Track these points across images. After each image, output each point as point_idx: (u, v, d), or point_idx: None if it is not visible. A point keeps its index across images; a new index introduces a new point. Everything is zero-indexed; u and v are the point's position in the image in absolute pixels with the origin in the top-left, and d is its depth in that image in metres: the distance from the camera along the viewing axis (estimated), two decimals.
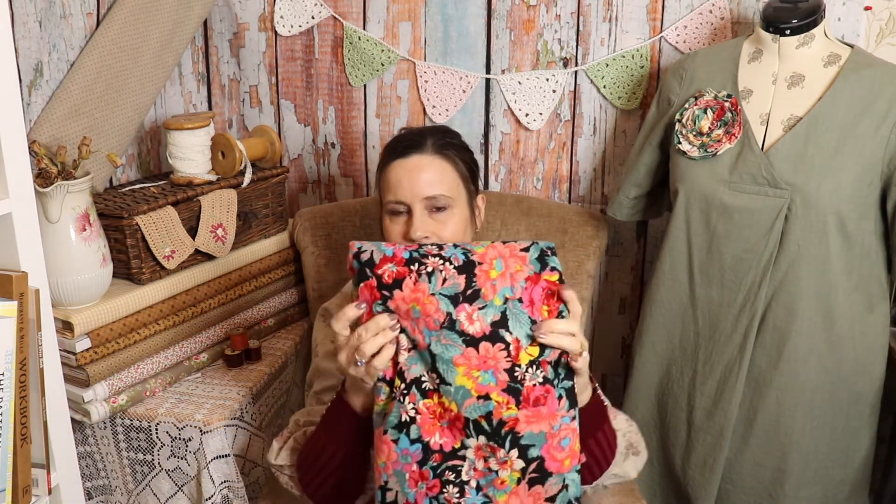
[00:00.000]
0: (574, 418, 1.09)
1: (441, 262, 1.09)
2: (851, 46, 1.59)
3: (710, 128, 1.62)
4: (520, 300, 1.07)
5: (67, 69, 1.74)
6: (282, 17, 2.18)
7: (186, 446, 1.61)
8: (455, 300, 1.07)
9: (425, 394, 1.09)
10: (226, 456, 1.61)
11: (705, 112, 1.63)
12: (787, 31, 1.58)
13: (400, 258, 1.09)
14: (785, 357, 1.59)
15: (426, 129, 1.42)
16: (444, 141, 1.38)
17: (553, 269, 1.09)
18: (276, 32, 2.20)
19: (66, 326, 1.53)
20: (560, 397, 1.08)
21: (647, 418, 1.78)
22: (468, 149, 1.44)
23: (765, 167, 1.55)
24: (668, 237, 1.69)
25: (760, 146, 1.57)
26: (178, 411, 1.63)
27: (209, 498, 1.60)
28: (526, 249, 1.10)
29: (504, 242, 1.11)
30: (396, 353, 1.09)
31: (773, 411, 1.61)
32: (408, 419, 1.09)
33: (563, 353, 1.08)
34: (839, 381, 1.59)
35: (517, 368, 1.06)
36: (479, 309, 1.07)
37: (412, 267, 1.08)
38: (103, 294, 1.62)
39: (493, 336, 1.06)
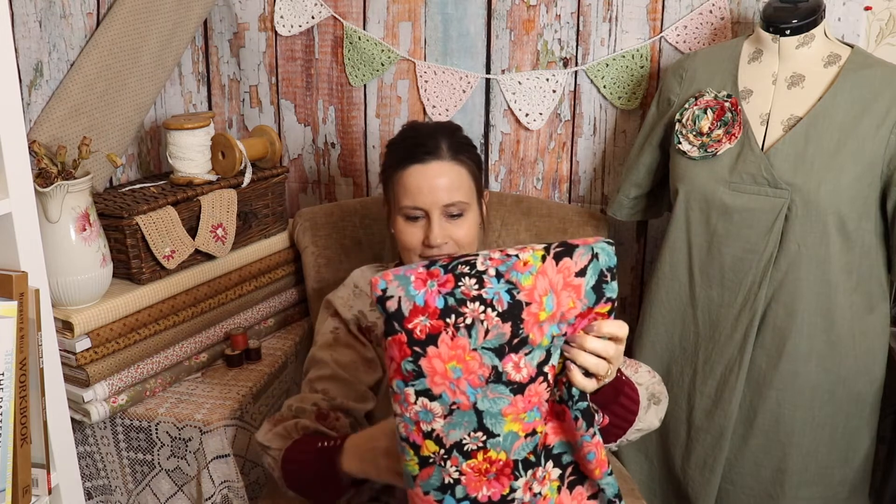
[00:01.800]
0: (594, 435, 1.03)
1: (482, 308, 0.95)
2: (851, 46, 1.59)
3: (710, 128, 1.62)
4: (564, 333, 1.00)
5: (67, 69, 1.74)
6: (282, 17, 2.18)
7: (186, 446, 1.61)
8: (500, 352, 0.97)
9: (468, 455, 0.99)
10: (226, 456, 1.61)
11: (705, 112, 1.63)
12: (787, 31, 1.58)
13: (434, 309, 0.95)
14: (785, 357, 1.59)
15: (436, 128, 1.42)
16: (458, 144, 1.40)
17: (608, 299, 1.00)
18: (276, 32, 2.20)
19: (66, 326, 1.53)
20: (576, 419, 1.02)
21: None
22: (474, 146, 1.45)
23: (765, 167, 1.55)
24: (668, 237, 1.69)
25: (760, 146, 1.57)
26: (178, 411, 1.63)
27: (209, 498, 1.60)
28: (583, 273, 0.97)
29: (557, 255, 0.97)
30: (428, 422, 0.98)
31: (773, 411, 1.61)
32: (451, 482, 0.99)
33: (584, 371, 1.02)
34: (839, 381, 1.59)
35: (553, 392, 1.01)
36: (526, 355, 0.98)
37: (448, 320, 0.95)
38: (103, 294, 1.62)
39: (537, 375, 0.99)
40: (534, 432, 1.00)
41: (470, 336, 0.96)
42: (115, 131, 1.84)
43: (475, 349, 0.96)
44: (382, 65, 2.12)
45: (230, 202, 1.85)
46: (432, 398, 0.97)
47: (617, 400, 1.16)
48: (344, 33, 2.13)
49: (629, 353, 1.90)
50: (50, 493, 1.22)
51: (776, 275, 1.57)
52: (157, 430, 1.62)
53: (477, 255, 0.99)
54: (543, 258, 0.97)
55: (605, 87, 1.98)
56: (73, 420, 1.48)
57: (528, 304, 0.96)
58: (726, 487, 1.69)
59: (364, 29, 2.11)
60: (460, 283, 0.96)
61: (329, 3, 2.12)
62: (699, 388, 1.67)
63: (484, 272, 0.96)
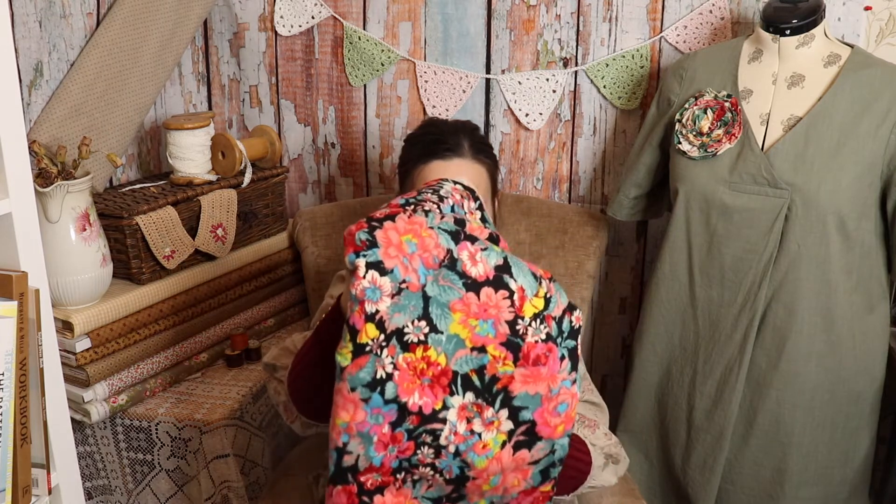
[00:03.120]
0: (574, 382, 1.00)
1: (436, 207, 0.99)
2: (851, 46, 1.59)
3: (710, 128, 1.62)
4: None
5: (67, 69, 1.74)
6: (282, 17, 2.17)
7: (186, 446, 1.61)
8: (456, 237, 0.95)
9: (407, 347, 0.95)
10: (226, 456, 1.61)
11: (705, 112, 1.63)
12: (787, 31, 1.58)
13: (395, 206, 0.99)
14: (785, 357, 1.59)
15: (458, 126, 1.43)
16: (479, 143, 1.41)
17: (553, 480, 1.05)
18: (276, 32, 2.20)
19: (66, 326, 1.53)
20: (563, 358, 0.98)
21: (647, 418, 1.78)
22: (492, 146, 1.46)
23: (765, 167, 1.55)
24: (668, 237, 1.69)
25: (760, 146, 1.57)
26: (177, 411, 1.63)
27: (209, 498, 1.60)
28: (536, 462, 1.02)
29: (517, 444, 1.00)
30: (374, 301, 0.94)
31: (773, 411, 1.61)
32: (384, 376, 0.95)
33: (568, 309, 0.99)
34: (839, 381, 1.59)
35: (520, 321, 0.96)
36: (483, 250, 0.96)
37: (407, 208, 0.98)
38: (103, 294, 1.62)
39: (497, 281, 0.95)
40: (483, 349, 0.96)
41: (427, 217, 0.96)
42: (115, 131, 1.84)
43: (432, 227, 0.95)
44: (382, 65, 2.12)
45: (230, 202, 1.85)
46: (383, 272, 0.94)
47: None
48: (344, 33, 2.13)
49: (629, 353, 1.90)
50: (50, 493, 1.22)
51: (776, 275, 1.57)
52: (157, 430, 1.62)
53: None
54: (503, 444, 0.99)
55: (605, 87, 1.98)
56: (73, 420, 1.48)
57: (474, 478, 1.01)
58: (726, 487, 1.69)
59: (364, 29, 2.11)
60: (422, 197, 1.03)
61: (329, 3, 2.12)
62: (699, 388, 1.67)
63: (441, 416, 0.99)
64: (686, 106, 1.66)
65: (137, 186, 1.83)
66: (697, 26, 1.89)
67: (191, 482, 1.63)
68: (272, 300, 1.99)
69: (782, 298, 1.57)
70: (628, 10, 1.93)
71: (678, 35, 1.91)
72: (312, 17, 2.15)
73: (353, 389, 0.95)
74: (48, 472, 1.21)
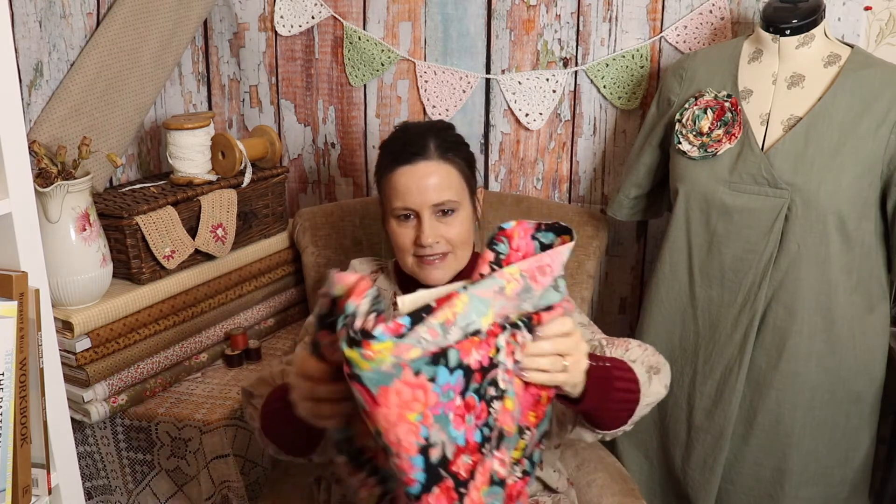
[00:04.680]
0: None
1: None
2: (851, 46, 1.59)
3: (710, 128, 1.61)
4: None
5: (67, 69, 1.74)
6: (282, 17, 2.18)
7: (186, 446, 1.61)
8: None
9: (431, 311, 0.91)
10: (225, 456, 1.61)
11: (705, 112, 1.63)
12: (787, 31, 1.58)
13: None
14: (785, 357, 1.59)
15: (425, 127, 1.42)
16: (447, 142, 1.39)
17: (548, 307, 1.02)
18: (276, 32, 2.20)
19: (66, 326, 1.53)
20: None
21: (647, 418, 1.78)
22: (465, 143, 1.44)
23: (765, 167, 1.55)
24: (668, 237, 1.69)
25: (760, 146, 1.57)
26: (177, 411, 1.63)
27: (209, 498, 1.60)
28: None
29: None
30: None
31: (773, 411, 1.61)
32: (435, 345, 0.90)
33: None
34: (839, 381, 1.59)
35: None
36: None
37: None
38: (103, 294, 1.62)
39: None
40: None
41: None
42: (115, 131, 1.84)
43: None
44: (382, 65, 2.12)
45: (230, 202, 1.85)
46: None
47: (612, 388, 1.15)
48: (344, 33, 2.13)
49: None
50: (50, 493, 1.22)
51: (776, 275, 1.57)
52: (156, 430, 1.62)
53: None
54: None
55: (605, 87, 1.98)
56: (73, 420, 1.48)
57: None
58: (726, 487, 1.69)
59: (364, 29, 2.11)
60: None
61: (329, 3, 2.12)
62: (699, 388, 1.67)
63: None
64: (686, 106, 1.66)
65: (137, 186, 1.83)
66: (697, 26, 1.89)
67: (191, 482, 1.63)
68: (272, 300, 1.99)
69: (782, 298, 1.57)
70: (628, 10, 1.93)
71: (678, 35, 1.91)
72: (312, 17, 2.15)
73: (417, 373, 0.89)
74: (48, 472, 1.21)
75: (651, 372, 1.27)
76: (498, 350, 0.96)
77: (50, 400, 1.19)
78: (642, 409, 1.23)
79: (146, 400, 1.68)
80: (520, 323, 0.98)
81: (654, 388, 1.26)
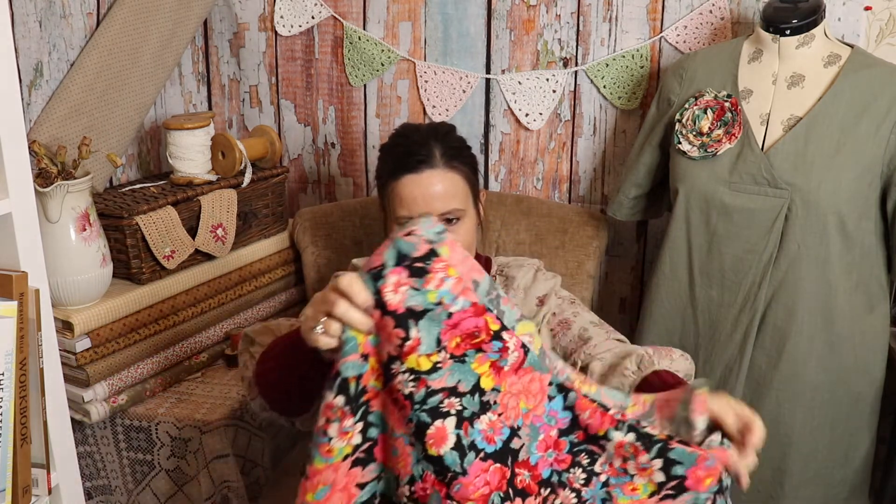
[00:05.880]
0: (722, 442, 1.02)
1: None
2: (851, 46, 1.59)
3: (710, 128, 1.61)
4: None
5: (67, 69, 1.74)
6: (282, 17, 2.18)
7: (186, 446, 1.61)
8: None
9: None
10: (226, 456, 1.61)
11: (705, 112, 1.63)
12: (787, 31, 1.58)
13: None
14: (785, 357, 1.59)
15: (428, 133, 1.39)
16: (452, 149, 1.37)
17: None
18: (276, 32, 2.20)
19: (66, 326, 1.53)
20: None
21: None
22: (468, 147, 1.43)
23: (765, 167, 1.55)
24: (668, 237, 1.69)
25: (760, 146, 1.57)
26: (177, 411, 1.63)
27: (209, 498, 1.60)
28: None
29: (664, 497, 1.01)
30: None
31: (773, 411, 1.61)
32: (566, 379, 1.01)
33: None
34: (839, 381, 1.59)
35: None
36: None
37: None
38: (103, 294, 1.62)
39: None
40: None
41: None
42: (115, 131, 1.84)
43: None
44: (382, 65, 2.12)
45: (230, 202, 1.85)
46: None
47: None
48: (344, 33, 2.13)
49: None
50: (50, 493, 1.22)
51: (776, 275, 1.57)
52: (156, 430, 1.62)
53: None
54: (652, 494, 1.01)
55: (605, 87, 1.98)
56: (73, 420, 1.48)
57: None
58: None
59: (364, 29, 2.12)
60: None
61: (329, 3, 2.12)
62: None
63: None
64: (686, 106, 1.66)
65: (137, 186, 1.83)
66: (697, 26, 1.89)
67: (191, 482, 1.63)
68: (272, 300, 1.99)
69: (782, 298, 1.57)
70: (628, 10, 1.93)
71: (678, 35, 1.91)
72: (312, 17, 2.15)
73: (550, 384, 1.01)
74: (48, 472, 1.21)
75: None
76: (608, 438, 1.01)
77: (50, 400, 1.19)
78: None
79: (146, 400, 1.67)
80: (651, 441, 1.00)
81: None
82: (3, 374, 1.09)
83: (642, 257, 2.09)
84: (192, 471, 1.62)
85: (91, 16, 1.80)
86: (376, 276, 0.94)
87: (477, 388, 0.97)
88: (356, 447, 0.98)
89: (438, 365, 0.95)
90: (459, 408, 0.96)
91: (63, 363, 1.41)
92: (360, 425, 0.97)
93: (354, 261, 1.54)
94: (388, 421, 0.98)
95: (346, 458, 0.97)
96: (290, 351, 1.11)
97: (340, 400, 0.95)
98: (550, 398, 1.00)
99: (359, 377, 0.96)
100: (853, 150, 1.50)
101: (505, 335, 0.97)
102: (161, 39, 1.92)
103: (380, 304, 0.94)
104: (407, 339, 0.94)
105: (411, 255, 0.94)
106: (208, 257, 1.83)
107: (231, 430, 1.62)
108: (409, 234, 0.95)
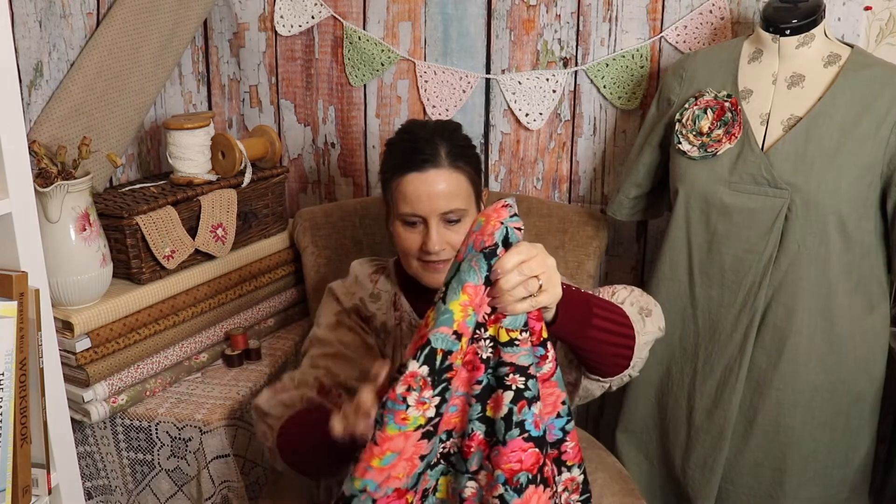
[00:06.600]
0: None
1: None
2: (851, 46, 1.59)
3: (710, 128, 1.62)
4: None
5: (67, 69, 1.74)
6: (282, 17, 2.18)
7: (186, 446, 1.61)
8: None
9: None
10: (226, 456, 1.61)
11: (705, 112, 1.63)
12: (787, 31, 1.58)
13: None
14: (785, 357, 1.59)
15: (435, 131, 1.39)
16: (457, 148, 1.37)
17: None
18: (276, 32, 2.20)
19: (66, 326, 1.53)
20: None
21: (647, 418, 1.78)
22: (473, 146, 1.43)
23: (765, 167, 1.55)
24: (668, 237, 1.69)
25: (760, 146, 1.57)
26: (177, 411, 1.63)
27: (209, 498, 1.60)
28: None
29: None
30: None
31: (773, 411, 1.61)
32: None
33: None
34: (839, 381, 1.59)
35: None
36: None
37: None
38: (103, 294, 1.62)
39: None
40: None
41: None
42: (115, 131, 1.84)
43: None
44: (382, 65, 2.12)
45: (230, 202, 1.85)
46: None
47: (592, 314, 1.15)
48: (344, 33, 2.13)
49: None
50: (50, 493, 1.22)
51: (776, 275, 1.57)
52: (157, 430, 1.62)
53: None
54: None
55: (605, 87, 1.98)
56: (73, 420, 1.48)
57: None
58: (726, 487, 1.69)
59: (364, 29, 2.12)
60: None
61: (329, 3, 2.12)
62: (699, 388, 1.67)
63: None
64: (686, 106, 1.66)
65: (137, 186, 1.83)
66: (697, 26, 1.89)
67: (191, 482, 1.63)
68: (272, 300, 1.99)
69: (782, 298, 1.57)
70: (628, 10, 1.93)
71: (678, 35, 1.91)
72: (312, 17, 2.15)
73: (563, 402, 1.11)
74: (48, 472, 1.21)
75: (643, 314, 1.28)
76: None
77: (50, 400, 1.19)
78: (641, 350, 1.25)
79: (146, 400, 1.67)
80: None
81: (648, 327, 1.27)
82: (3, 374, 1.09)
83: (642, 257, 2.09)
84: (192, 471, 1.63)
85: (91, 16, 1.80)
86: (490, 254, 1.00)
87: (535, 378, 1.05)
88: (429, 420, 1.00)
89: (516, 342, 1.02)
90: (521, 386, 1.02)
91: (63, 363, 1.41)
92: (437, 399, 1.00)
93: (353, 263, 1.54)
94: (455, 381, 1.03)
95: (417, 428, 0.99)
96: (310, 430, 1.19)
97: (425, 370, 0.98)
98: (559, 416, 1.10)
99: (447, 353, 0.99)
100: (853, 150, 1.50)
101: (549, 345, 1.07)
102: (161, 39, 1.92)
103: (489, 281, 1.00)
104: (496, 309, 1.02)
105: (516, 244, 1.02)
106: (208, 257, 1.83)
107: (231, 430, 1.62)
108: (512, 215, 1.03)
